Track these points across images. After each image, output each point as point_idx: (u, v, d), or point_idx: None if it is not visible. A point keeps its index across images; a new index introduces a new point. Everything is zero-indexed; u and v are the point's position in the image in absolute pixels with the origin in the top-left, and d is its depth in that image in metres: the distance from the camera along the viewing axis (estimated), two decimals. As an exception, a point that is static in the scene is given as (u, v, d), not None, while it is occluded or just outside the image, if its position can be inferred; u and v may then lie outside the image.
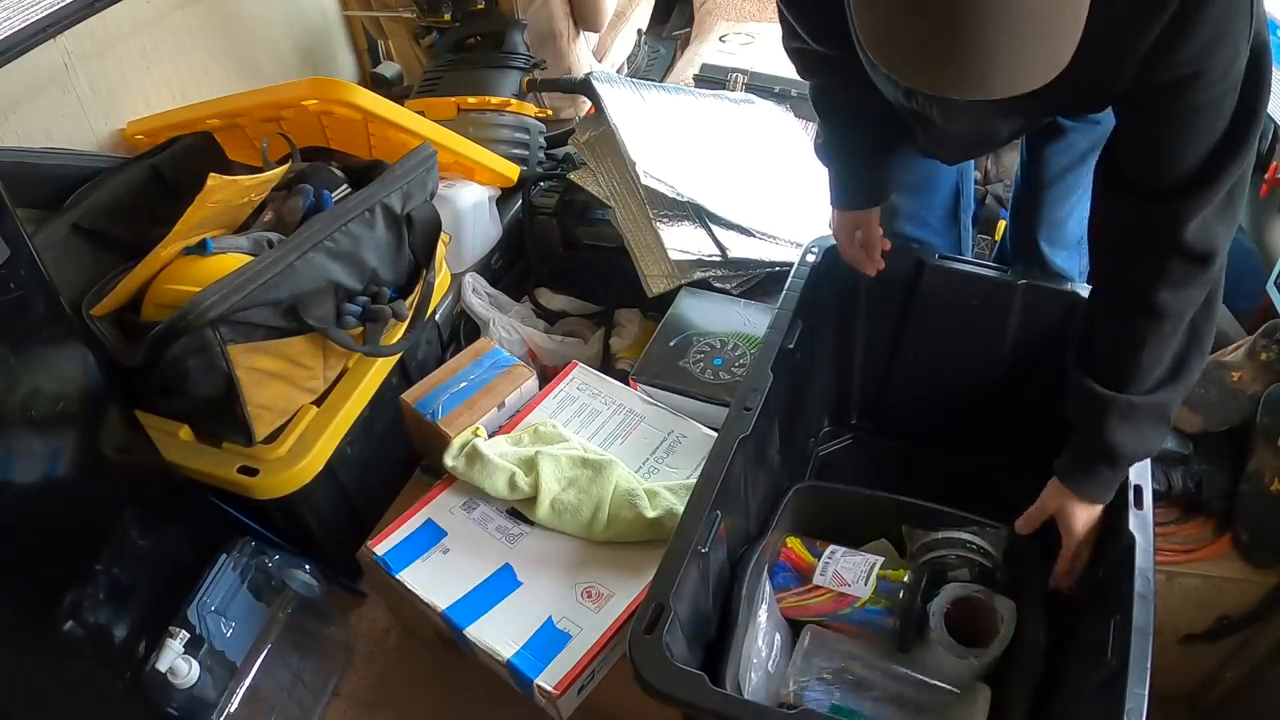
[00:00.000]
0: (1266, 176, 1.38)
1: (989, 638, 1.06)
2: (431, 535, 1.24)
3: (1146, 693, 0.80)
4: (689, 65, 2.23)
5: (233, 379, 1.20)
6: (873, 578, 1.11)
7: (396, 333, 1.42)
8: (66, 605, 1.07)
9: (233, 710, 1.21)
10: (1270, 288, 1.30)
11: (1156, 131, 0.82)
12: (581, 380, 1.44)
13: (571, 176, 1.76)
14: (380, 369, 1.44)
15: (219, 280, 1.15)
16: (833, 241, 1.27)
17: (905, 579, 1.10)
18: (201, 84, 1.85)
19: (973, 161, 1.38)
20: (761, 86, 2.05)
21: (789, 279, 1.25)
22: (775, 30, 1.06)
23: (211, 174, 1.19)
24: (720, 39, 2.32)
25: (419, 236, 1.42)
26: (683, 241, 1.63)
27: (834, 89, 1.10)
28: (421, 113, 1.65)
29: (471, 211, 1.69)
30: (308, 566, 1.34)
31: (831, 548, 1.16)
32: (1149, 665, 0.82)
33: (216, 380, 1.20)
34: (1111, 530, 0.98)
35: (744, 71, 2.08)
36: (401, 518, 1.26)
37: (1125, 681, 0.81)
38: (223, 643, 1.21)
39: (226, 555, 1.26)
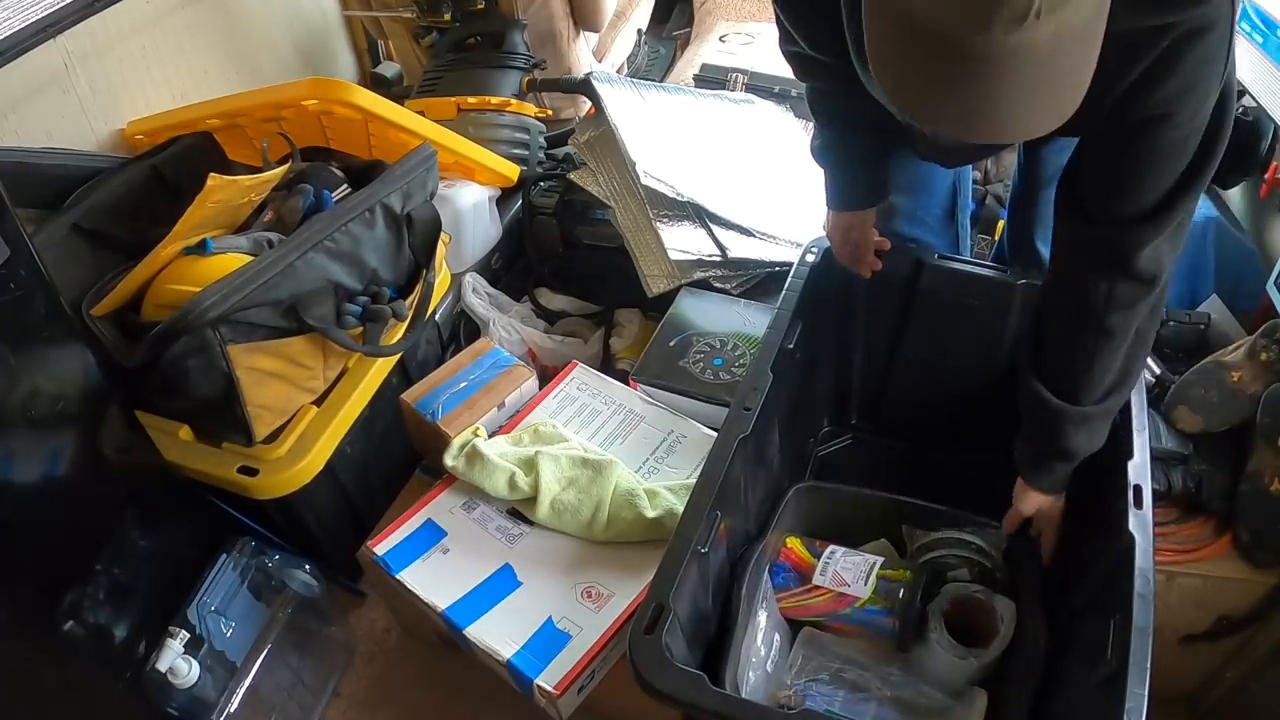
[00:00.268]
0: (1266, 176, 1.38)
1: (989, 638, 1.06)
2: (431, 535, 1.24)
3: (1146, 692, 0.80)
4: (689, 65, 2.23)
5: (233, 379, 1.20)
6: (872, 578, 1.11)
7: (396, 333, 1.42)
8: (66, 605, 1.07)
9: (233, 710, 1.21)
10: (1270, 288, 1.30)
11: (1120, 165, 0.85)
12: (581, 380, 1.44)
13: (571, 176, 1.76)
14: (380, 369, 1.44)
15: (219, 280, 1.15)
16: (832, 242, 1.27)
17: (905, 579, 1.10)
18: (201, 84, 1.85)
19: (971, 162, 1.39)
20: (761, 86, 2.05)
21: (789, 279, 1.25)
22: (775, 30, 1.06)
23: (211, 174, 1.19)
24: (720, 39, 2.32)
25: (419, 236, 1.42)
26: (683, 241, 1.63)
27: (831, 92, 1.10)
28: (421, 113, 1.65)
29: (471, 211, 1.69)
30: (308, 566, 1.34)
31: (831, 548, 1.16)
32: (1149, 665, 0.82)
33: (216, 380, 1.20)
34: (1111, 530, 0.98)
35: (744, 71, 2.08)
36: (401, 518, 1.26)
37: (1125, 681, 0.81)
38: (223, 643, 1.21)
39: (226, 555, 1.26)
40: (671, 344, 1.50)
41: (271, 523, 1.36)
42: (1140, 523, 0.95)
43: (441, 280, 1.53)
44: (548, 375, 1.49)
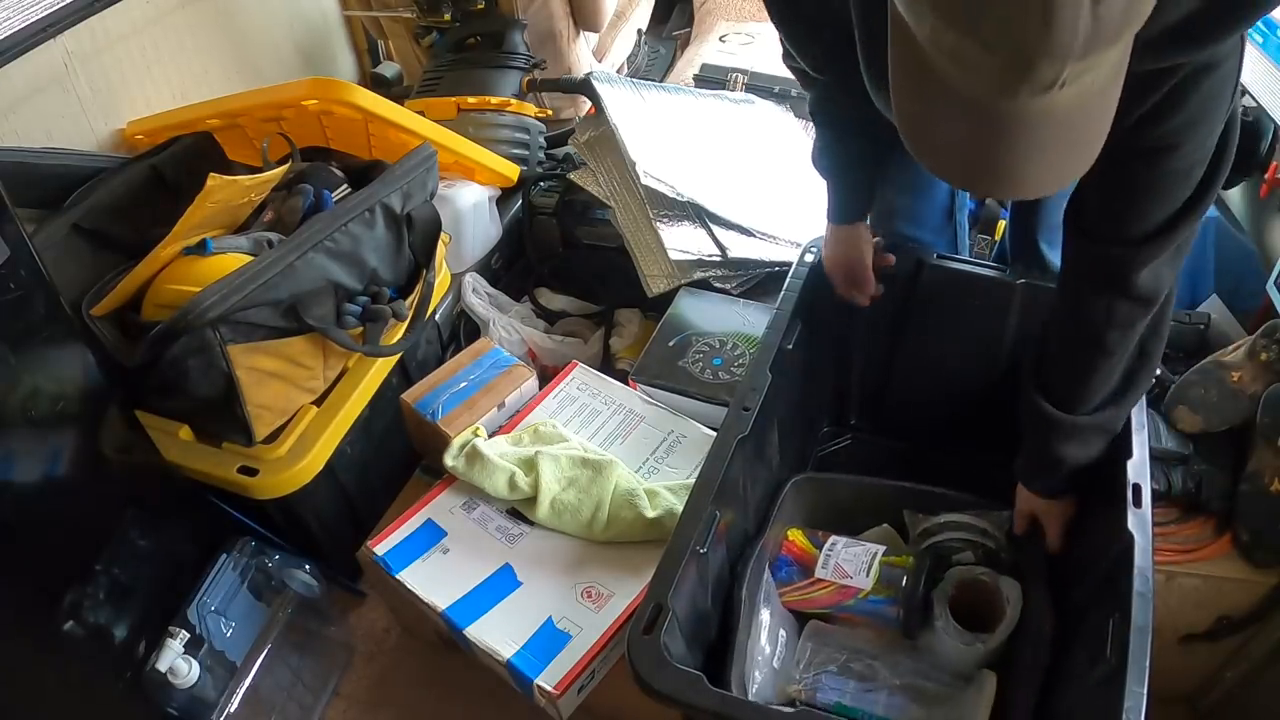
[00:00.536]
0: (1266, 176, 1.38)
1: (995, 621, 1.06)
2: (431, 535, 1.24)
3: (1146, 691, 0.80)
4: (689, 65, 2.23)
5: (233, 379, 1.20)
6: (875, 567, 1.11)
7: (396, 333, 1.42)
8: (66, 605, 1.07)
9: (233, 710, 1.21)
10: (1270, 288, 1.30)
11: (1123, 191, 0.86)
12: (581, 380, 1.44)
13: (571, 176, 1.76)
14: (380, 369, 1.44)
15: (219, 280, 1.15)
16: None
17: (908, 566, 1.10)
18: (201, 84, 1.85)
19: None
20: (761, 86, 2.05)
21: (788, 279, 1.25)
22: (775, 31, 1.06)
23: (211, 174, 1.19)
24: (720, 39, 2.32)
25: (419, 236, 1.42)
26: (683, 241, 1.63)
27: (834, 97, 1.09)
28: (421, 113, 1.65)
29: (471, 211, 1.69)
30: (308, 566, 1.34)
31: (833, 539, 1.16)
32: (1148, 664, 0.82)
33: (216, 380, 1.20)
34: (1111, 529, 0.98)
35: (744, 71, 2.08)
36: (401, 518, 1.26)
37: (1124, 680, 0.81)
38: (223, 643, 1.21)
39: (226, 555, 1.26)
40: (671, 344, 1.50)
41: (271, 523, 1.36)
42: (1140, 522, 0.95)
43: (441, 280, 1.53)
44: (548, 375, 1.49)
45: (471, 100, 1.84)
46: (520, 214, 1.86)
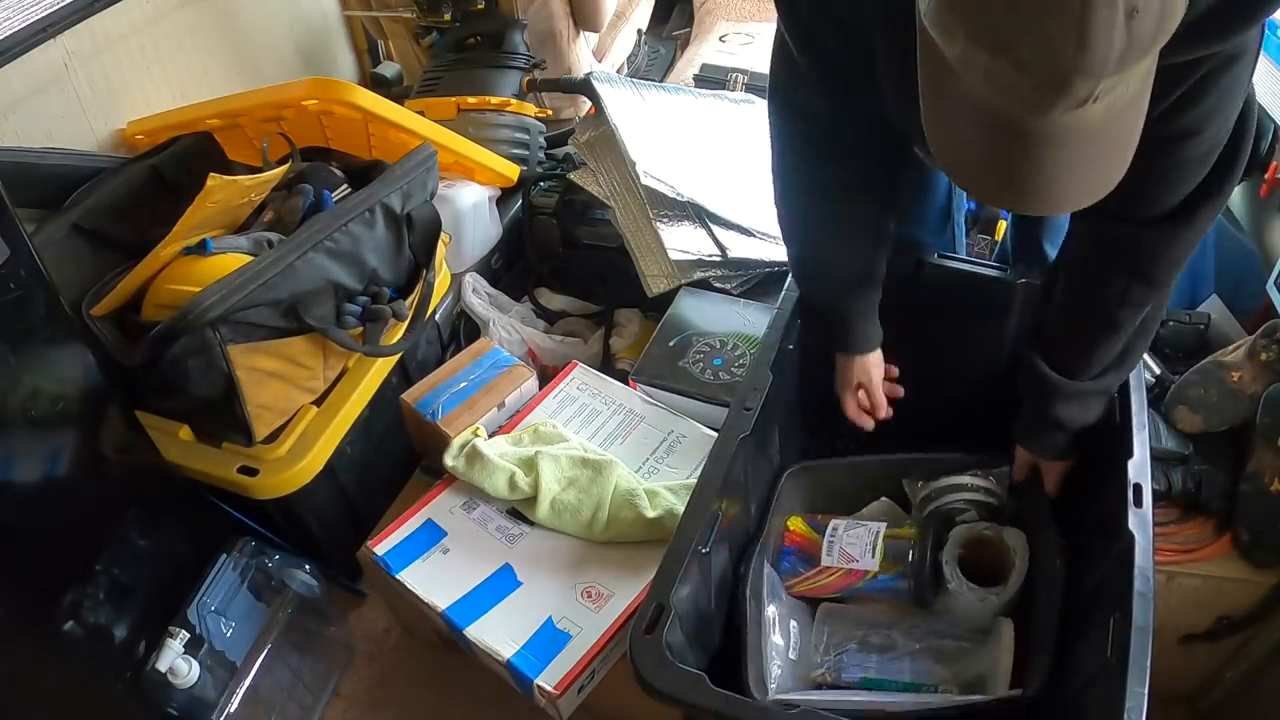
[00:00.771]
0: (1266, 176, 1.38)
1: (1006, 572, 1.07)
2: (431, 535, 1.24)
3: (1146, 690, 0.80)
4: (689, 65, 2.23)
5: (233, 379, 1.20)
6: (879, 546, 1.11)
7: (396, 333, 1.42)
8: (66, 605, 1.07)
9: (233, 710, 1.21)
10: (1270, 288, 1.30)
11: (1143, 174, 0.86)
12: (581, 380, 1.44)
13: (571, 176, 1.76)
14: (380, 369, 1.43)
15: (219, 280, 1.15)
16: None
17: (912, 536, 1.11)
18: (201, 84, 1.85)
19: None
20: (761, 86, 2.03)
21: (788, 279, 1.25)
22: (774, 30, 1.04)
23: (211, 174, 1.19)
24: (720, 39, 2.32)
25: (419, 236, 1.42)
26: (683, 241, 1.63)
27: (847, 114, 0.99)
28: (421, 113, 1.65)
29: (471, 211, 1.69)
30: (308, 566, 1.34)
31: (834, 523, 1.16)
32: (1149, 663, 0.82)
33: (216, 380, 1.20)
34: (1111, 529, 0.98)
35: (744, 71, 2.07)
36: (401, 518, 1.26)
37: (1125, 680, 0.81)
38: (223, 643, 1.21)
39: (226, 555, 1.26)
40: (671, 344, 1.50)
41: (271, 523, 1.36)
42: (1140, 521, 0.95)
43: (441, 280, 1.53)
44: (548, 375, 1.49)
45: (471, 100, 1.84)
46: (520, 214, 1.86)
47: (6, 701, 1.03)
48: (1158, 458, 1.19)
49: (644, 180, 1.63)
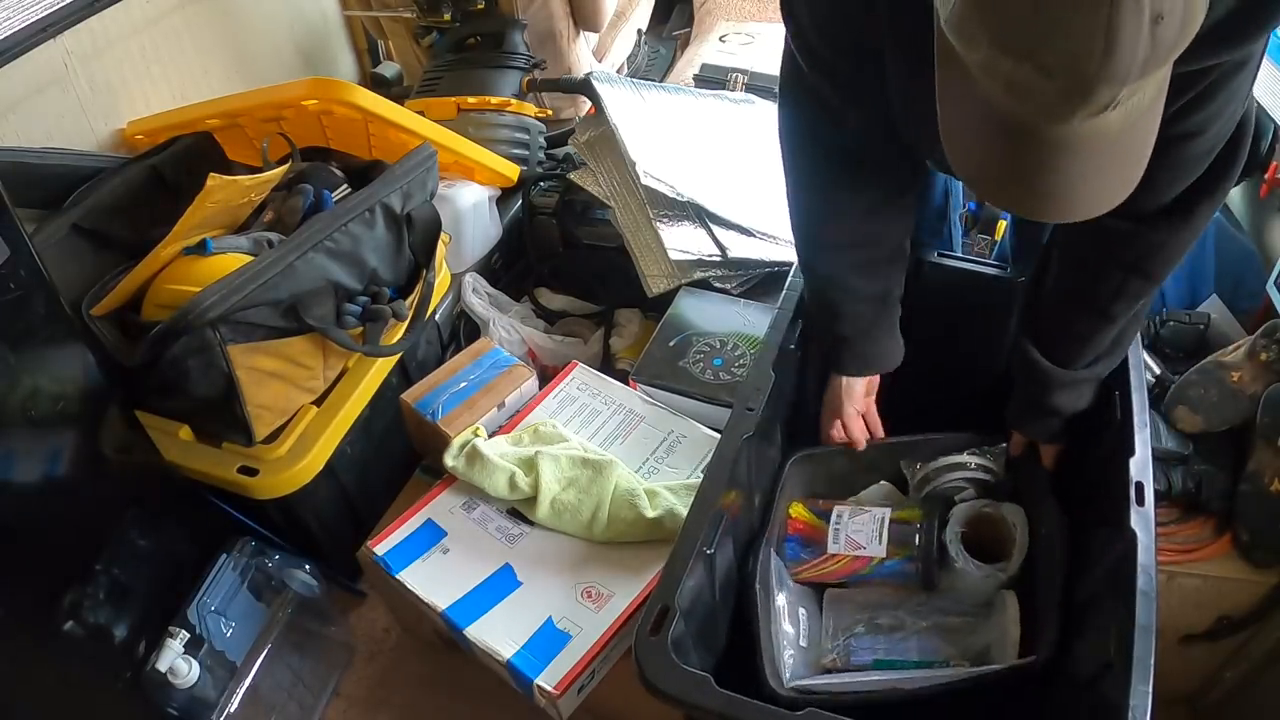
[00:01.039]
0: (1266, 176, 1.38)
1: (1007, 547, 1.08)
2: (431, 535, 1.24)
3: (1150, 689, 0.80)
4: (689, 65, 2.23)
5: (233, 379, 1.20)
6: (885, 532, 1.12)
7: (396, 333, 1.42)
8: (66, 605, 1.07)
9: (233, 710, 1.21)
10: (1270, 288, 1.30)
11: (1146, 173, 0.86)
12: (581, 380, 1.44)
13: (571, 176, 1.76)
14: (380, 369, 1.43)
15: (219, 280, 1.15)
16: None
17: (916, 518, 1.11)
18: (201, 84, 1.85)
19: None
20: (761, 86, 2.05)
21: (788, 279, 1.25)
22: (775, 30, 1.05)
23: (211, 174, 1.19)
24: (720, 39, 2.32)
25: (419, 236, 1.42)
26: (683, 241, 1.63)
27: (863, 122, 0.98)
28: (421, 113, 1.65)
29: (471, 211, 1.69)
30: (308, 566, 1.34)
31: (838, 509, 1.16)
32: (1152, 662, 0.82)
33: (216, 380, 1.20)
34: (1113, 528, 0.98)
35: (744, 71, 2.07)
36: (401, 518, 1.26)
37: (1129, 679, 0.80)
38: (223, 643, 1.21)
39: (226, 555, 1.26)
40: (671, 344, 1.50)
41: (271, 523, 1.35)
42: (1142, 520, 0.95)
43: (441, 280, 1.53)
44: (548, 375, 1.49)
45: (471, 100, 1.84)
46: (520, 214, 1.86)
47: (6, 701, 1.03)
48: (1158, 458, 1.19)
49: (644, 180, 1.62)
